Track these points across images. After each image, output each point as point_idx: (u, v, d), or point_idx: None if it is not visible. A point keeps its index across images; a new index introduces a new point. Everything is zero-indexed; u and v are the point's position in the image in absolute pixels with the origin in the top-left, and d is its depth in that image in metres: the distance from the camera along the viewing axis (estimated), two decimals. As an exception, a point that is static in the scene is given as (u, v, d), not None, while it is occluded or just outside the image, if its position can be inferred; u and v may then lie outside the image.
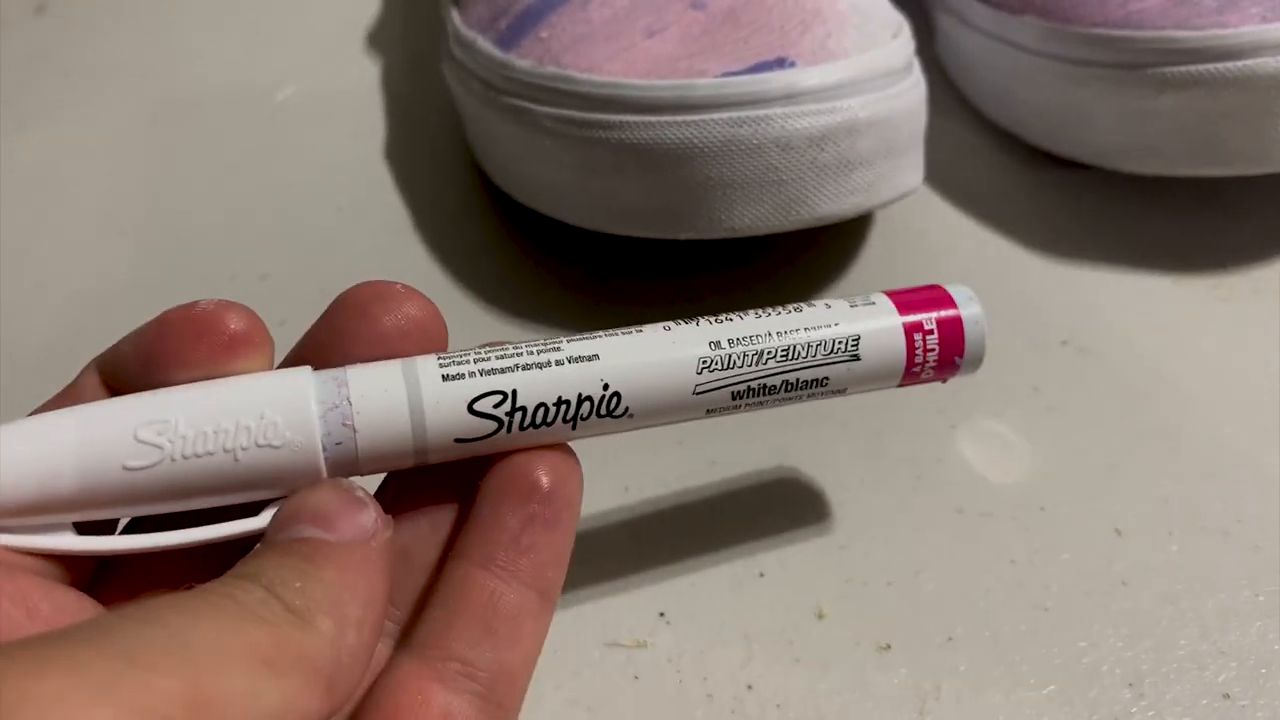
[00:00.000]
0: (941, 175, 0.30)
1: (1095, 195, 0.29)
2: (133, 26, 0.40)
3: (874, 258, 0.28)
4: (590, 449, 0.18)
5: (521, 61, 0.27)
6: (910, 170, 0.25)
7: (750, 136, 0.23)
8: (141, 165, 0.33)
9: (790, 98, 0.23)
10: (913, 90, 0.25)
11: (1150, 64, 0.25)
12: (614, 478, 0.24)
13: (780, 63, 0.24)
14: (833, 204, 0.24)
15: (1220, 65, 0.24)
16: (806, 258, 0.28)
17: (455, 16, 0.31)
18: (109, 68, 0.38)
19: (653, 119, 0.24)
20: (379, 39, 0.38)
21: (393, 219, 0.31)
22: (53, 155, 0.34)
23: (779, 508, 0.23)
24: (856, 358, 0.18)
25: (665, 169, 0.24)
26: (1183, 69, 0.24)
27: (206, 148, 0.34)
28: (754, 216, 0.24)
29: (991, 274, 0.28)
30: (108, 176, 0.33)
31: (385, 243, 0.30)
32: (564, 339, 0.18)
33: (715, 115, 0.23)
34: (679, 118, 0.23)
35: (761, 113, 0.23)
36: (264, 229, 0.31)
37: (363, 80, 0.36)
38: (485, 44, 0.28)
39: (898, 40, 0.25)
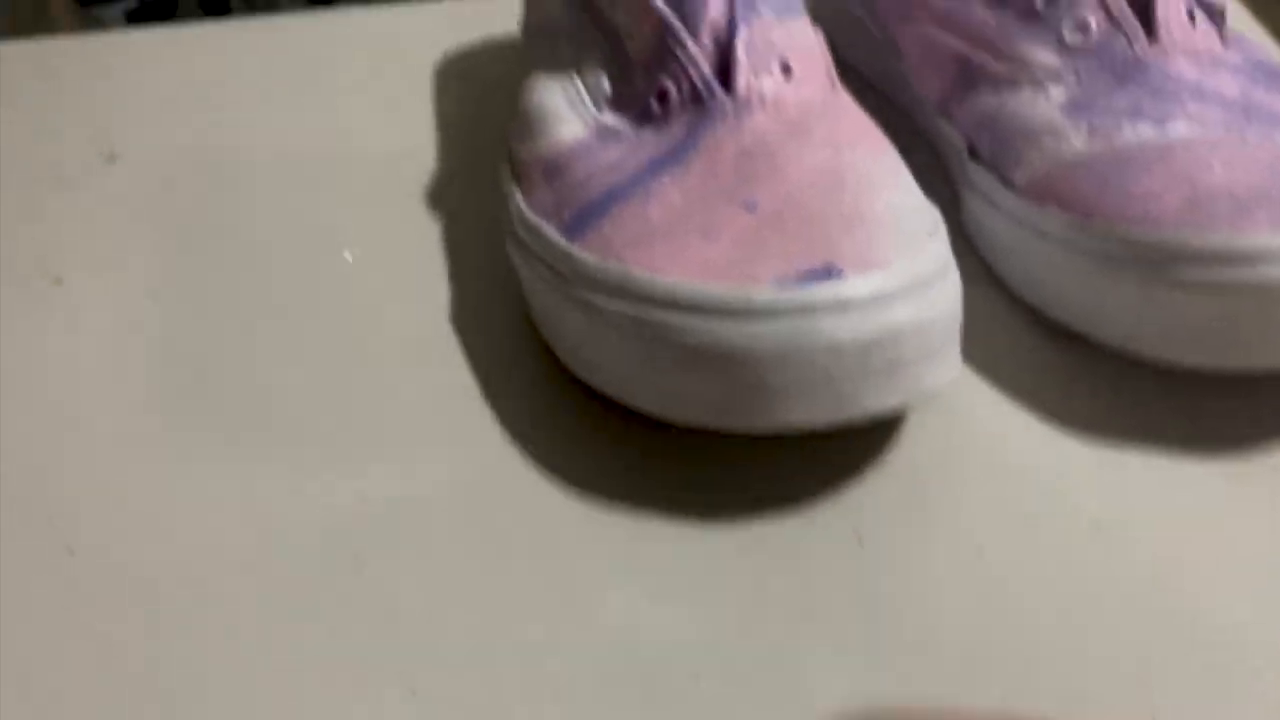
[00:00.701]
0: (968, 345, 0.32)
1: (1120, 373, 0.31)
2: (201, 179, 0.43)
3: (905, 429, 0.30)
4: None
5: (586, 255, 0.29)
6: (950, 363, 0.27)
7: (803, 345, 0.25)
8: (209, 314, 0.35)
9: (839, 308, 0.25)
10: (951, 290, 0.27)
11: (1166, 263, 0.27)
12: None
13: (828, 271, 0.26)
14: (879, 401, 0.26)
15: (1233, 271, 0.26)
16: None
17: (519, 197, 0.33)
18: (178, 219, 0.40)
19: (712, 324, 0.26)
20: (441, 204, 0.40)
21: (456, 381, 0.33)
22: (122, 301, 0.36)
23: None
24: None
25: (723, 370, 0.26)
26: (1197, 271, 0.27)
27: (270, 302, 0.36)
28: (806, 414, 0.26)
29: (1017, 449, 0.30)
30: (175, 326, 0.35)
31: (447, 401, 0.32)
32: None
33: (770, 325, 0.25)
34: (737, 324, 0.25)
35: (813, 323, 0.25)
36: (323, 382, 0.33)
37: (424, 245, 0.38)
38: (551, 232, 0.31)
39: (934, 241, 0.28)
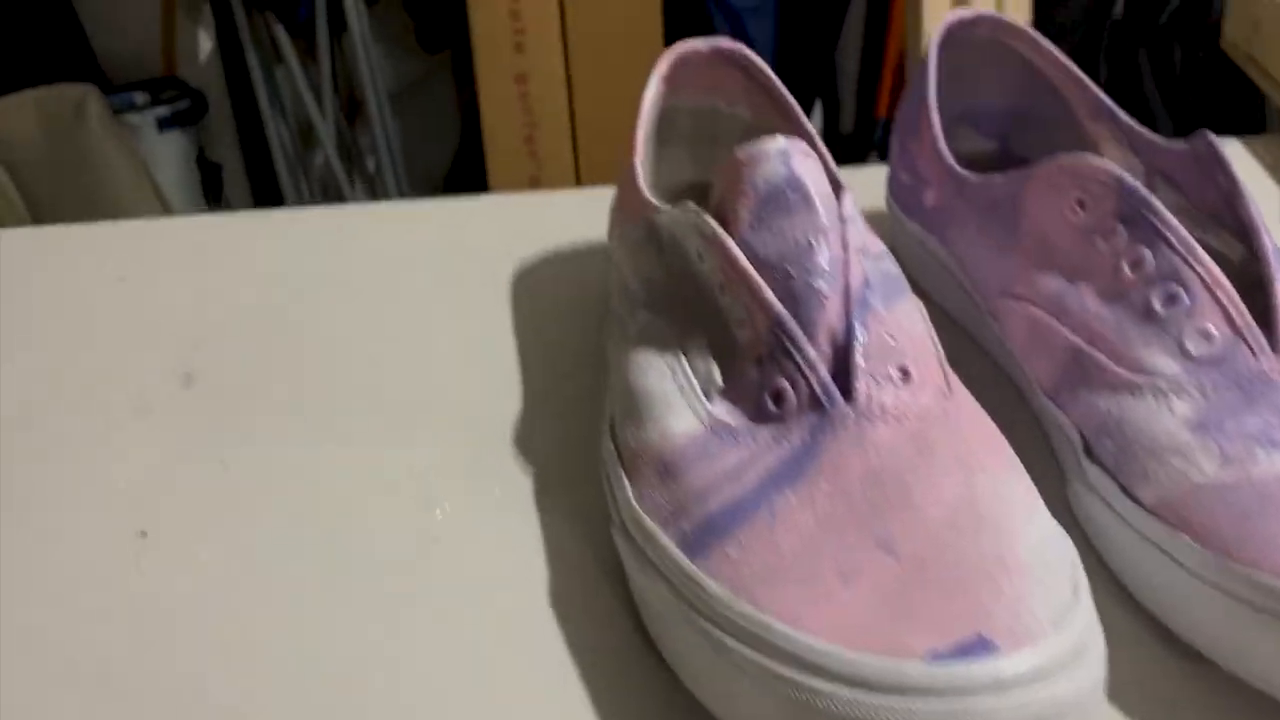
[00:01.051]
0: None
1: (1243, 702, 0.30)
2: (279, 411, 0.42)
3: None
4: None
5: (713, 584, 0.28)
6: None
7: (961, 727, 0.24)
8: (295, 556, 0.34)
9: (997, 688, 0.24)
10: (1100, 650, 0.26)
11: (1322, 626, 0.26)
12: None
13: (983, 645, 0.25)
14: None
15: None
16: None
17: (628, 489, 0.33)
18: (254, 452, 0.40)
19: (862, 696, 0.25)
20: (531, 452, 0.40)
21: (564, 687, 0.32)
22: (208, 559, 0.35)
23: None
24: None
25: (873, 748, 0.25)
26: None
27: (360, 567, 0.35)
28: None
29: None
30: (256, 566, 0.34)
31: (556, 709, 0.31)
32: None
33: (925, 703, 0.24)
34: (889, 700, 0.25)
35: (970, 704, 0.24)
36: (415, 645, 0.32)
37: (516, 503, 0.37)
38: (668, 543, 0.30)
39: (1080, 596, 0.27)
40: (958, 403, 0.32)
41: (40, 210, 1.32)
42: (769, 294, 0.32)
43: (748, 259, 0.33)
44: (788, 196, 0.33)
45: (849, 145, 1.60)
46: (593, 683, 0.32)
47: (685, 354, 0.34)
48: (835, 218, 0.33)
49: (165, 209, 1.43)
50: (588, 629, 0.33)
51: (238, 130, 1.63)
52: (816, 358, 0.31)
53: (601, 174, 1.48)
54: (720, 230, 0.34)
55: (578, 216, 0.53)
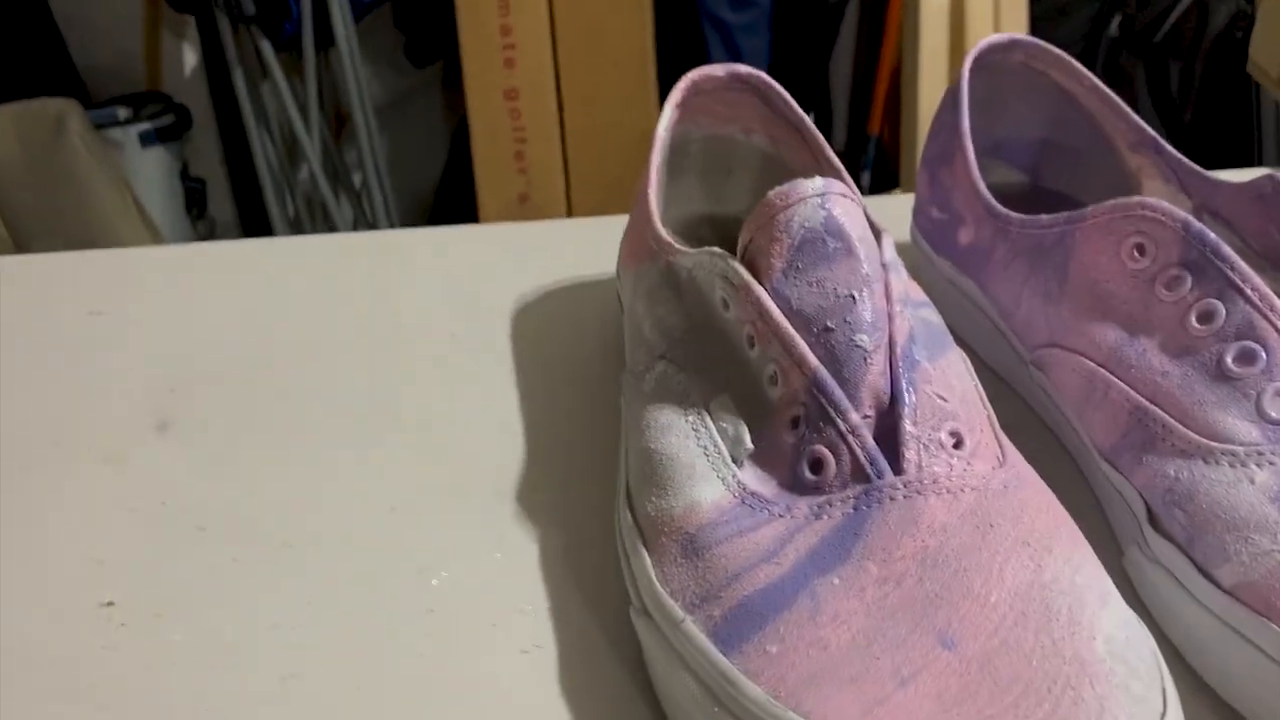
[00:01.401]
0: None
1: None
2: (261, 461, 0.39)
3: None
4: None
5: (752, 687, 0.25)
6: None
7: None
8: (275, 633, 0.31)
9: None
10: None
11: None
12: None
13: (1068, 764, 0.22)
14: None
15: None
16: None
17: (648, 565, 0.29)
18: (234, 509, 0.36)
19: (930, 825, 0.22)
20: (538, 512, 0.36)
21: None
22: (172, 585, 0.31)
23: None
24: None
25: None
26: None
27: (351, 637, 0.31)
28: None
29: None
30: (236, 645, 0.30)
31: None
32: None
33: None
34: (962, 832, 0.21)
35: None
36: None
37: (529, 605, 0.34)
38: (697, 633, 0.27)
39: (1170, 703, 0.24)
40: (1016, 471, 0.29)
41: (19, 228, 1.29)
42: (806, 350, 0.29)
43: (781, 311, 0.30)
44: (826, 244, 0.30)
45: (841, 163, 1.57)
46: (612, 785, 0.28)
47: (710, 413, 0.31)
48: (878, 266, 0.30)
49: (148, 227, 1.39)
50: (604, 719, 0.30)
51: (222, 146, 1.59)
52: (860, 422, 0.28)
53: (592, 191, 1.45)
54: (750, 278, 0.31)
55: (579, 245, 0.50)
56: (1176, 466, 0.30)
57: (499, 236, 0.54)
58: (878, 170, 1.63)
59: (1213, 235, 0.31)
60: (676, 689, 0.28)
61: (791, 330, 0.30)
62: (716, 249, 0.33)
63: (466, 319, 0.46)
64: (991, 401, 0.34)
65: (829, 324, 0.29)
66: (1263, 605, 0.27)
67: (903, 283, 0.31)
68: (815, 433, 0.29)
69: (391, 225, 1.57)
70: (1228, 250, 0.30)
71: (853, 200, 0.31)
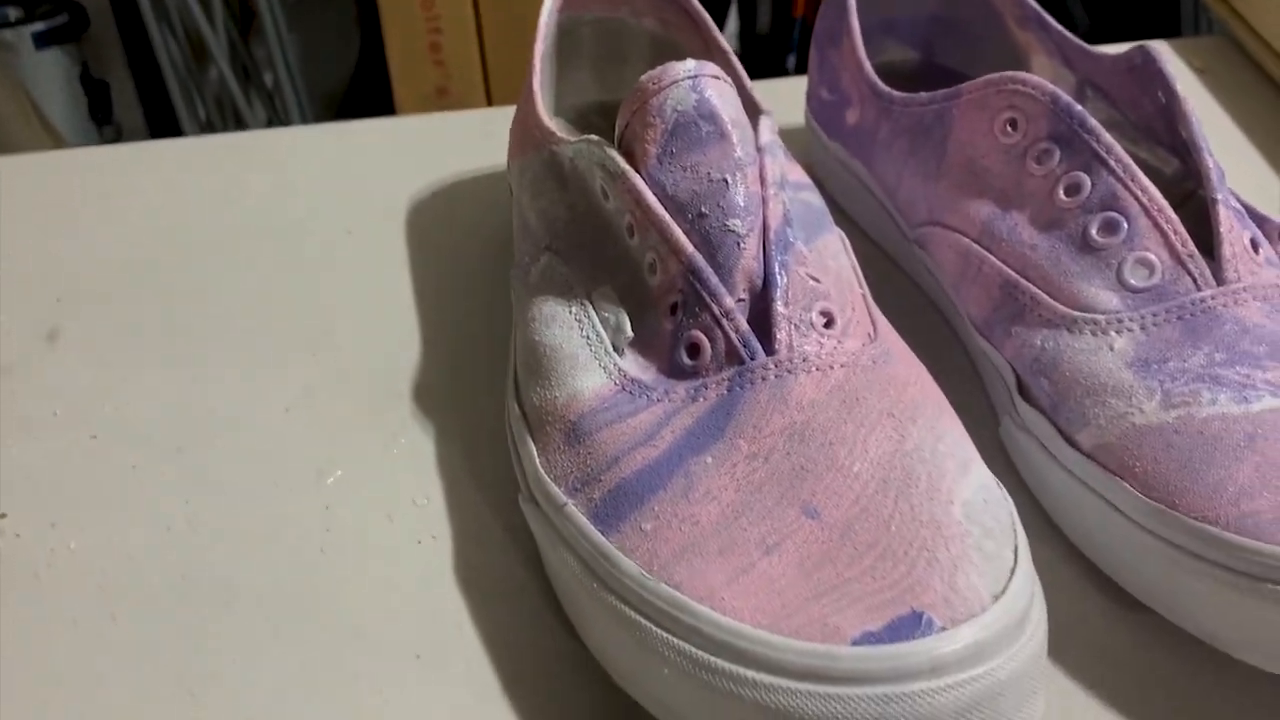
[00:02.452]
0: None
1: (1183, 651, 0.29)
2: (149, 361, 0.38)
3: None
4: None
5: (627, 562, 0.26)
6: (1040, 701, 0.25)
7: (896, 715, 0.22)
8: (172, 537, 0.31)
9: (934, 671, 0.22)
10: (1042, 615, 0.25)
11: (1266, 579, 0.25)
12: None
13: (917, 620, 0.23)
14: (973, 765, 0.23)
15: (1345, 598, 0.24)
16: None
17: (534, 454, 0.30)
18: (124, 419, 0.36)
19: (790, 684, 0.23)
20: (453, 473, 0.37)
21: (478, 669, 0.29)
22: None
23: None
24: None
25: (805, 737, 0.23)
26: (1304, 593, 0.25)
27: (246, 554, 0.32)
28: (896, 782, 0.23)
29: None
30: (129, 555, 0.31)
31: (472, 696, 0.29)
32: None
33: (858, 690, 0.22)
34: (820, 689, 0.23)
35: (907, 689, 0.22)
36: (306, 611, 0.29)
37: (425, 495, 0.35)
38: (578, 515, 0.28)
39: (1021, 558, 0.25)
40: (886, 347, 0.30)
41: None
42: (681, 237, 0.30)
43: (657, 197, 0.30)
44: (700, 127, 0.30)
45: (766, 47, 1.56)
46: (501, 662, 0.29)
47: (592, 303, 0.32)
48: (752, 149, 0.30)
49: (49, 133, 1.34)
50: (496, 603, 0.31)
51: (124, 47, 1.53)
52: (734, 306, 0.29)
53: (513, 82, 1.42)
54: (627, 166, 0.31)
55: (485, 138, 0.49)
56: (1043, 336, 0.31)
57: (398, 130, 0.52)
58: (802, 53, 1.61)
59: (1080, 108, 0.31)
60: (561, 569, 0.28)
61: (667, 218, 0.30)
62: (594, 137, 0.32)
63: (363, 215, 0.46)
64: (881, 280, 0.34)
65: (703, 209, 0.30)
66: (1117, 465, 0.28)
67: (779, 165, 0.32)
68: (691, 318, 0.29)
69: (310, 123, 1.52)
70: (1094, 123, 0.31)
71: (726, 82, 0.31)
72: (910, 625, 0.23)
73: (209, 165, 0.49)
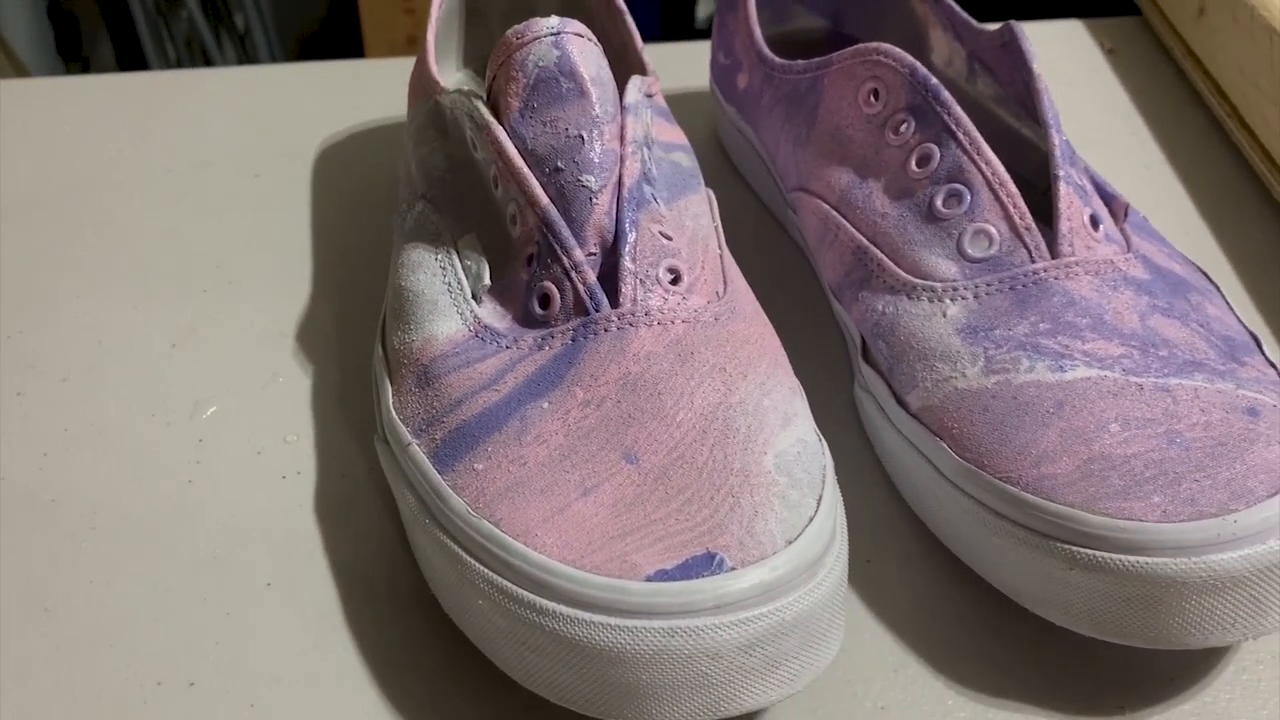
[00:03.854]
0: (856, 548, 0.31)
1: (1009, 617, 0.30)
2: (40, 292, 0.39)
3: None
4: None
5: (455, 499, 0.27)
6: (833, 638, 0.26)
7: (681, 647, 0.24)
8: (49, 464, 0.32)
9: (719, 608, 0.24)
10: (838, 563, 0.26)
11: (1059, 539, 0.26)
12: None
13: (709, 560, 0.24)
14: (759, 698, 0.25)
15: (1121, 558, 0.25)
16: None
17: (389, 395, 0.31)
18: (11, 335, 0.37)
19: (585, 616, 0.24)
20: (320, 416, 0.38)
21: (323, 598, 0.31)
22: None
23: None
24: None
25: (596, 666, 0.24)
26: (1088, 552, 0.26)
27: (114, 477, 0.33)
28: (681, 713, 0.24)
29: (904, 681, 0.29)
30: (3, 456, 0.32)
31: (314, 622, 0.30)
32: None
33: (647, 623, 0.24)
34: (611, 620, 0.24)
35: (692, 623, 0.24)
36: (169, 536, 0.30)
37: (296, 431, 0.36)
38: (420, 455, 0.29)
39: (823, 508, 0.26)
40: (732, 305, 0.31)
41: None
42: (538, 190, 0.30)
43: (518, 150, 0.31)
44: (560, 84, 0.31)
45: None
46: (347, 592, 0.31)
47: (458, 251, 0.33)
48: (612, 107, 0.31)
49: (12, 64, 1.33)
50: (350, 537, 0.32)
51: (93, -21, 1.51)
52: (583, 259, 0.30)
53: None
54: (491, 118, 0.32)
55: (404, 86, 0.50)
56: (884, 302, 0.32)
57: (319, 75, 0.53)
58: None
59: (935, 81, 0.32)
60: (403, 506, 0.30)
61: (526, 170, 0.31)
62: (466, 88, 0.33)
63: (273, 159, 0.46)
64: (768, 243, 0.35)
65: (559, 164, 0.31)
66: (938, 426, 0.29)
67: (643, 124, 0.32)
68: (544, 270, 0.30)
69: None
70: (947, 96, 0.32)
71: (589, 41, 0.32)
72: (702, 564, 0.24)
73: (126, 102, 0.50)
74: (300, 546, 0.32)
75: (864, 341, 0.33)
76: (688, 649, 0.24)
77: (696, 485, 0.26)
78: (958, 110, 0.32)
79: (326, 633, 0.30)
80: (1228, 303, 0.32)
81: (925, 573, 0.31)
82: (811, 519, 0.26)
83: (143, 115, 0.49)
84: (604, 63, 0.32)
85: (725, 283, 0.31)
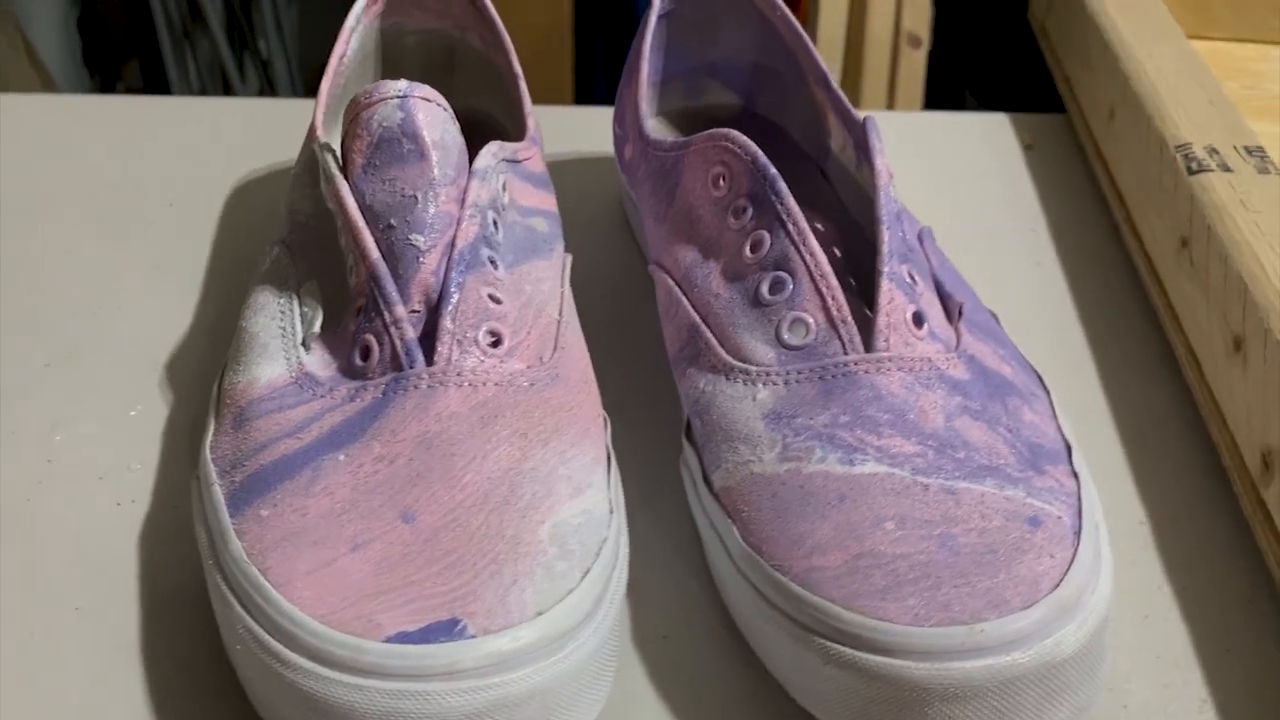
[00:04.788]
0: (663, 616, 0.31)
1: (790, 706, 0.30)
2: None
3: None
4: None
5: (235, 543, 0.28)
6: (581, 715, 0.26)
7: (410, 710, 0.24)
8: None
9: (451, 674, 0.24)
10: (592, 639, 0.26)
11: (818, 633, 0.26)
12: None
13: (451, 626, 0.25)
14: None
15: (870, 657, 0.26)
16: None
17: (210, 433, 0.32)
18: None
19: (322, 671, 0.24)
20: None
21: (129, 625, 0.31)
22: None
23: None
24: None
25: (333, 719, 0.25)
26: (840, 649, 0.26)
27: None
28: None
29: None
30: None
31: (117, 651, 0.30)
32: None
33: (379, 684, 0.24)
34: (347, 678, 0.24)
35: (421, 688, 0.24)
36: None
37: (139, 462, 0.36)
38: (219, 494, 0.29)
39: (588, 581, 0.26)
40: (555, 371, 0.31)
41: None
42: (370, 243, 0.31)
43: (358, 205, 0.32)
44: (402, 145, 0.32)
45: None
46: (151, 620, 0.31)
47: (300, 297, 0.33)
48: (453, 170, 0.32)
49: (38, 73, 1.37)
50: (166, 566, 0.33)
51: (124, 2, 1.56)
52: (404, 316, 0.30)
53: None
54: (337, 172, 0.33)
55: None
56: (706, 380, 0.32)
57: (251, 111, 0.54)
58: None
59: (774, 170, 0.33)
60: (200, 544, 0.30)
61: (361, 224, 0.31)
62: (324, 142, 0.34)
63: (190, 191, 0.48)
64: (642, 311, 0.34)
65: (392, 221, 0.31)
66: (732, 508, 0.30)
67: (491, 189, 0.33)
68: (368, 322, 0.31)
69: (296, 97, 1.55)
70: (783, 186, 0.32)
71: (437, 105, 0.32)
72: (444, 630, 0.25)
73: (57, 123, 0.51)
74: (117, 573, 0.32)
75: (687, 417, 0.33)
76: (415, 712, 0.24)
77: (464, 549, 0.26)
78: (790, 201, 0.32)
79: (124, 660, 0.30)
80: (1053, 409, 0.32)
81: (720, 653, 0.31)
82: (571, 591, 0.26)
83: (67, 141, 0.50)
84: (451, 127, 0.33)
85: (556, 349, 0.32)
